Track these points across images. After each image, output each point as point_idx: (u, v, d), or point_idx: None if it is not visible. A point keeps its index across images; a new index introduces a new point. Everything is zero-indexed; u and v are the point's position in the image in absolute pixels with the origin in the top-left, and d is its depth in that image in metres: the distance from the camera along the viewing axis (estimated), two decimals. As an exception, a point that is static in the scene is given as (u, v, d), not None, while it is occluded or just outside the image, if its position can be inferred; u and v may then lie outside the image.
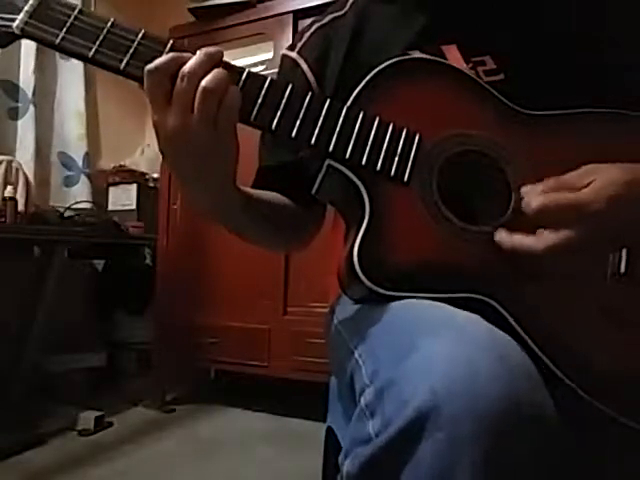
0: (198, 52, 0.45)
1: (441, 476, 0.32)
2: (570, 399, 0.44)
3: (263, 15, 1.81)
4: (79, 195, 2.12)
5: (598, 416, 0.45)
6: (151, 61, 0.44)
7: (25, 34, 0.47)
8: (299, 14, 1.74)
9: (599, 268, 0.49)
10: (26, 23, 0.47)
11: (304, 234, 0.74)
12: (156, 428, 1.68)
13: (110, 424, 1.66)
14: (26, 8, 0.47)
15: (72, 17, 0.46)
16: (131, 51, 0.46)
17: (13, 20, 0.47)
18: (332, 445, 0.66)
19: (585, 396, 0.45)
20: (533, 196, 0.45)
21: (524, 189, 0.48)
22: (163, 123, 0.45)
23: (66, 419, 1.62)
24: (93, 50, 0.46)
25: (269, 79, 0.49)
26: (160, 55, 0.45)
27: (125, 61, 0.46)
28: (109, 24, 0.46)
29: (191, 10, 1.94)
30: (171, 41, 0.47)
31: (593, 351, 0.47)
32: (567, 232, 0.43)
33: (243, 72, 0.48)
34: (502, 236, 0.47)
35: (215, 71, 0.44)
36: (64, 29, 0.46)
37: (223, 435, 1.63)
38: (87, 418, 1.60)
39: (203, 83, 0.43)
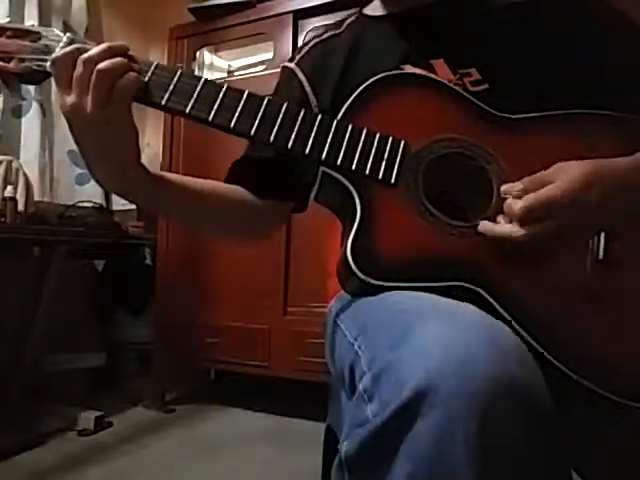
0: (101, 44, 0.51)
1: (437, 450, 0.33)
2: (560, 381, 0.45)
3: (263, 15, 1.81)
4: (91, 193, 2.10)
5: (591, 399, 0.46)
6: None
7: None
8: (299, 14, 1.75)
9: (579, 254, 0.52)
10: None
11: (254, 230, 0.77)
12: (156, 428, 1.68)
13: (110, 424, 1.66)
14: (57, 50, 0.54)
15: None
16: (147, 77, 0.53)
17: (46, 60, 0.54)
18: (332, 445, 0.66)
19: (573, 376, 0.46)
20: (513, 201, 0.49)
21: (503, 188, 0.52)
22: (65, 105, 0.51)
23: (66, 419, 1.62)
24: None
25: (267, 99, 0.55)
26: (170, 80, 0.53)
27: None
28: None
29: (191, 10, 1.94)
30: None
31: (580, 336, 0.49)
32: (545, 222, 0.48)
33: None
34: (485, 226, 0.51)
35: (114, 59, 0.50)
36: None
37: (223, 435, 1.63)
38: (87, 418, 1.60)
39: (98, 66, 0.49)
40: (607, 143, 0.55)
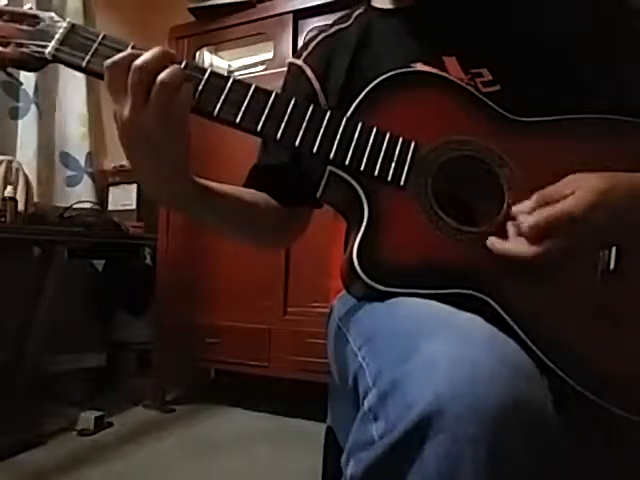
0: (153, 49, 0.48)
1: (447, 476, 0.33)
2: (568, 396, 0.45)
3: (263, 15, 1.81)
4: (82, 195, 2.11)
5: (599, 413, 0.46)
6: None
7: (56, 59, 0.53)
8: (299, 14, 1.75)
9: (590, 267, 0.51)
10: (57, 49, 0.52)
11: (283, 235, 0.77)
12: (156, 428, 1.68)
13: (110, 424, 1.66)
14: (57, 36, 0.52)
15: (97, 42, 0.52)
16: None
17: (45, 47, 0.52)
18: (332, 445, 0.66)
19: (583, 391, 0.46)
20: (524, 217, 0.48)
21: (515, 209, 0.51)
22: (121, 113, 0.48)
23: (66, 419, 1.62)
24: None
25: (274, 93, 0.53)
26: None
27: None
28: (129, 47, 0.51)
29: (191, 10, 1.94)
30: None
31: (589, 348, 0.48)
32: (554, 240, 0.47)
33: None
34: (493, 243, 0.50)
35: (172, 67, 0.48)
36: (90, 53, 0.52)
37: (223, 435, 1.63)
38: (87, 418, 1.60)
39: (160, 77, 0.47)
40: (623, 150, 0.53)
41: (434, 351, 0.36)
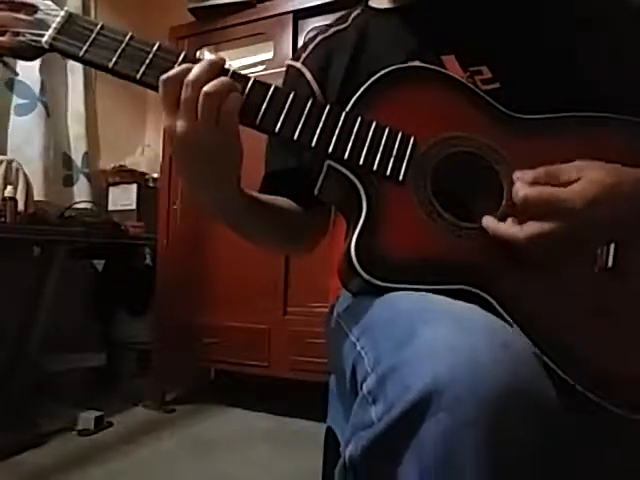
0: (201, 61, 0.49)
1: (444, 457, 0.33)
2: (568, 395, 0.44)
3: (263, 15, 1.81)
4: (78, 195, 2.12)
5: (598, 412, 0.46)
6: (164, 71, 0.50)
7: (53, 48, 0.52)
8: (299, 14, 1.75)
9: (587, 263, 0.50)
10: (54, 38, 0.52)
11: (307, 239, 0.77)
12: (156, 428, 1.68)
13: (110, 424, 1.66)
14: (54, 25, 0.52)
15: (95, 32, 0.52)
16: (147, 62, 0.51)
17: (42, 36, 0.52)
18: (332, 445, 0.66)
19: (583, 390, 0.46)
20: (521, 185, 0.48)
21: (516, 174, 0.50)
22: (173, 127, 0.49)
23: (66, 419, 1.62)
24: (113, 61, 0.52)
25: (273, 87, 0.53)
26: (172, 65, 0.51)
27: (141, 71, 0.51)
28: (127, 37, 0.52)
29: (191, 10, 1.94)
30: (184, 52, 0.52)
31: (587, 346, 0.48)
32: (548, 225, 0.46)
33: (249, 80, 0.52)
34: (488, 222, 0.49)
35: (218, 79, 0.48)
36: (87, 43, 0.52)
37: (223, 435, 1.63)
38: (87, 418, 1.61)
39: (205, 88, 0.48)
40: (622, 149, 0.52)
41: (433, 337, 0.37)
